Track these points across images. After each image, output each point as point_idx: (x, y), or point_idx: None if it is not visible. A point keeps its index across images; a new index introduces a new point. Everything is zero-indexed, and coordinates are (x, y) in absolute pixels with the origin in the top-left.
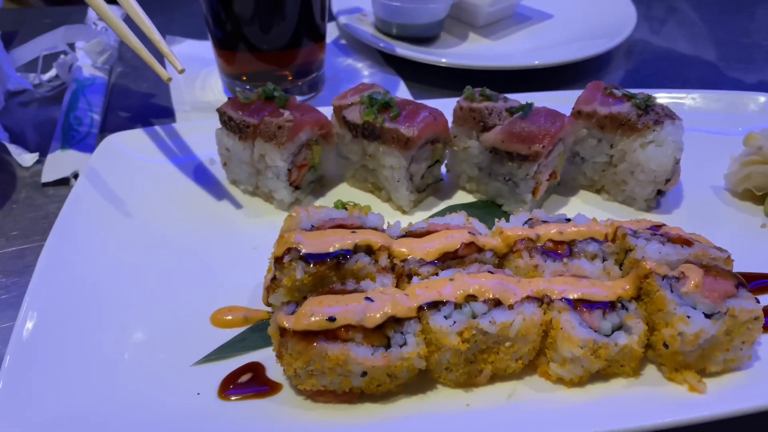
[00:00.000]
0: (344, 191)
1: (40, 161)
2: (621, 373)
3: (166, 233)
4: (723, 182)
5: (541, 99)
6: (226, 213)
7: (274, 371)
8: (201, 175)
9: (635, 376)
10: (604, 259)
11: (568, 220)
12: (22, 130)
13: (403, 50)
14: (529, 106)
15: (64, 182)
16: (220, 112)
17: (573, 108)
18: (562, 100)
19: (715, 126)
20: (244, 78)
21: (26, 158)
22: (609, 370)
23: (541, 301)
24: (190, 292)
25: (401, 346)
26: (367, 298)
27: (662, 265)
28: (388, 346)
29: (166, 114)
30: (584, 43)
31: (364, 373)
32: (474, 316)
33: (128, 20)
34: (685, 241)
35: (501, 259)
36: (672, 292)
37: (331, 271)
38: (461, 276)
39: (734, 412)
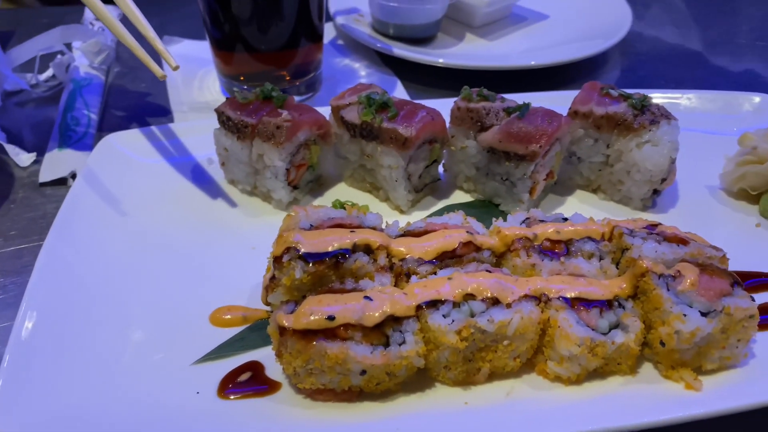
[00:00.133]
0: (342, 191)
1: (37, 161)
2: (618, 371)
3: (164, 233)
4: (718, 182)
5: (538, 99)
6: (224, 213)
7: (274, 370)
8: (199, 175)
9: (632, 374)
10: (600, 258)
11: (565, 219)
12: (19, 130)
13: (401, 51)
14: (526, 106)
15: (61, 182)
16: (219, 111)
17: (570, 108)
18: (558, 100)
19: (711, 126)
20: (242, 78)
21: (24, 158)
22: (606, 368)
23: (539, 299)
24: (189, 292)
25: (400, 345)
26: (366, 297)
27: (658, 264)
28: (387, 345)
29: (164, 114)
30: (580, 44)
31: (363, 372)
32: (472, 315)
33: (125, 20)
34: (681, 240)
35: (498, 258)
36: (668, 290)
37: (330, 270)
38: (459, 275)
39: (730, 409)
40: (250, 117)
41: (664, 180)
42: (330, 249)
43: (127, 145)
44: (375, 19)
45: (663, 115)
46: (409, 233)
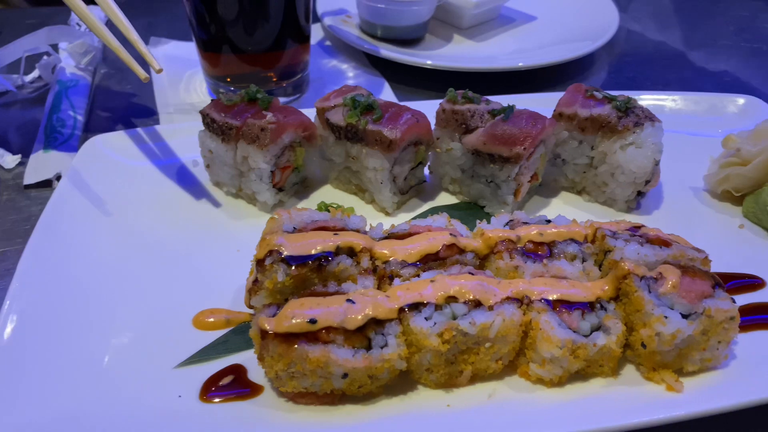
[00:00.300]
0: (328, 193)
1: (22, 163)
2: (600, 373)
3: (148, 235)
4: (702, 183)
5: (522, 101)
6: (209, 215)
7: (256, 373)
8: (184, 177)
9: (614, 376)
10: (583, 260)
11: (548, 221)
12: (4, 131)
13: (388, 52)
14: (511, 108)
15: (46, 184)
16: (203, 114)
17: (554, 110)
18: (543, 102)
19: (695, 128)
20: (229, 80)
21: (8, 160)
22: (588, 370)
23: (521, 302)
24: (173, 295)
25: (382, 348)
26: (349, 300)
27: (640, 266)
28: (369, 348)
29: (150, 115)
30: (567, 46)
31: (345, 375)
32: (454, 317)
33: (109, 22)
34: (664, 242)
35: (482, 261)
36: (650, 292)
37: (313, 273)
38: (442, 277)
39: (711, 410)
40: (234, 119)
41: (648, 182)
42: (313, 252)
43: (113, 146)
44: (363, 20)
45: (647, 117)
46: (393, 236)
